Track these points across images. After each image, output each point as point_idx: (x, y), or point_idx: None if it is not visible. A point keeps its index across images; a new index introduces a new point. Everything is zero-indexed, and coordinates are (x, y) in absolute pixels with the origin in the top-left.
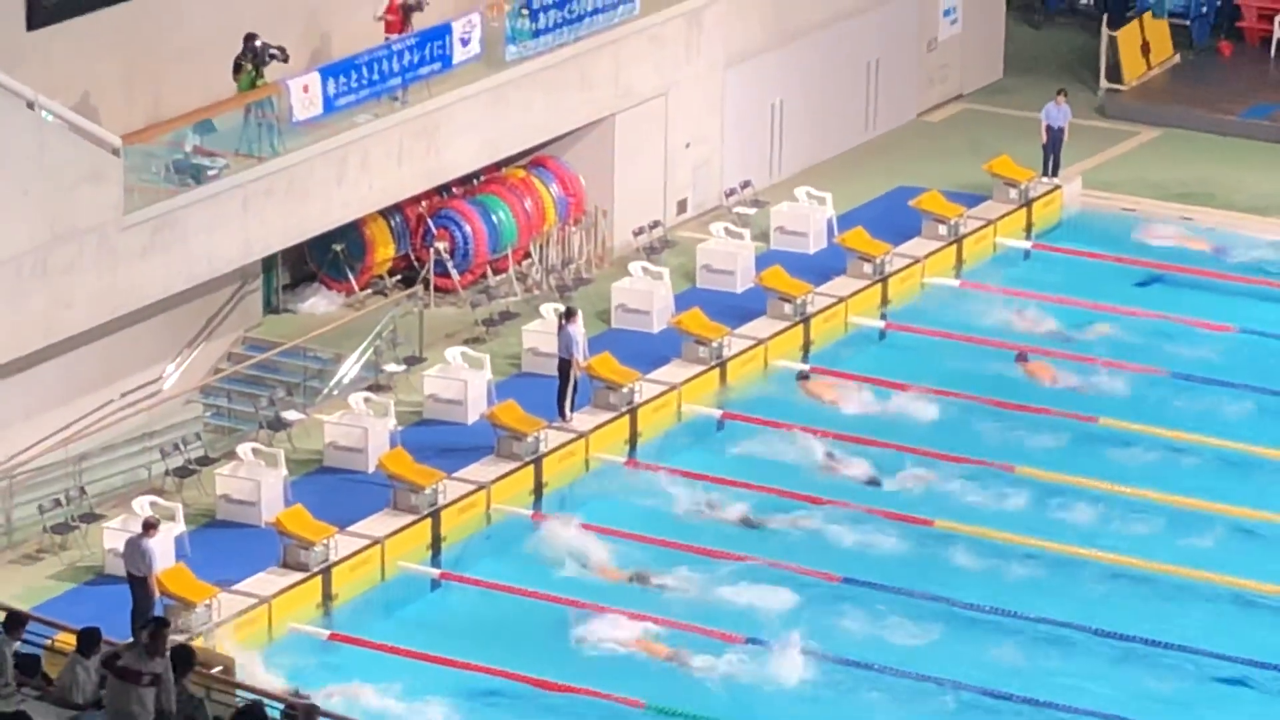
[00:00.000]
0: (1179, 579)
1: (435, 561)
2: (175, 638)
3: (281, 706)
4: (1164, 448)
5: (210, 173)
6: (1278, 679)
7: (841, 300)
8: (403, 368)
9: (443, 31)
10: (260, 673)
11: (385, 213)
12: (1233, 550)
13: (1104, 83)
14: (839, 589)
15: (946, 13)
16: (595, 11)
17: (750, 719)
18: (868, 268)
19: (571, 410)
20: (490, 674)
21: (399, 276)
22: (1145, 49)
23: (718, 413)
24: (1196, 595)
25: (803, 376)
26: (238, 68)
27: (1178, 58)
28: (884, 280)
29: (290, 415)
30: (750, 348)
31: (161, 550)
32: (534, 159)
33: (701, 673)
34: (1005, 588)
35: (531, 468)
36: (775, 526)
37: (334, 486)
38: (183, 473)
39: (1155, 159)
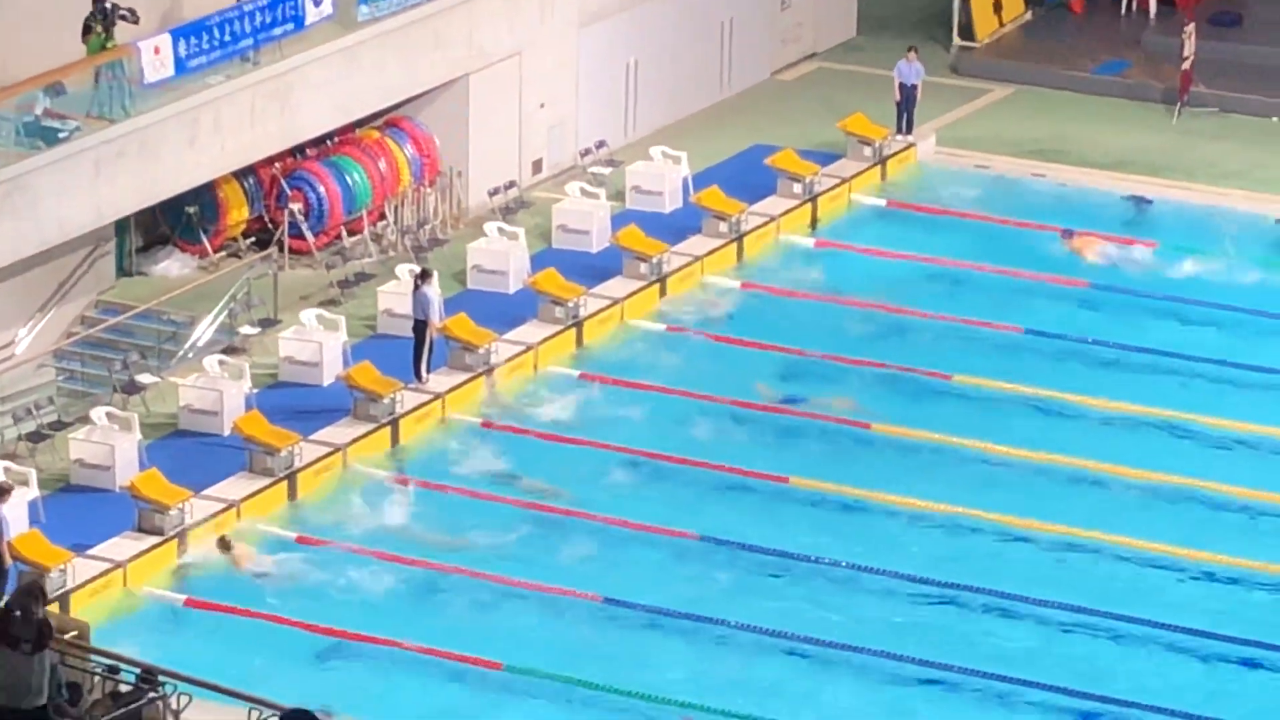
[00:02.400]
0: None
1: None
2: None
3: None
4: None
5: (61, 135)
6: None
7: (697, 259)
8: (258, 330)
9: None
10: (115, 637)
11: (239, 174)
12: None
13: (957, 40)
14: (697, 545)
15: None
16: None
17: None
18: (723, 226)
19: (428, 371)
20: (343, 636)
21: (253, 239)
22: (997, 6)
23: (575, 372)
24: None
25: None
26: (87, 29)
27: (1030, 15)
28: (739, 238)
29: (144, 379)
30: (606, 307)
31: (15, 516)
32: (388, 120)
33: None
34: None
35: (388, 429)
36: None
37: (189, 450)
38: (36, 437)
39: (1008, 116)
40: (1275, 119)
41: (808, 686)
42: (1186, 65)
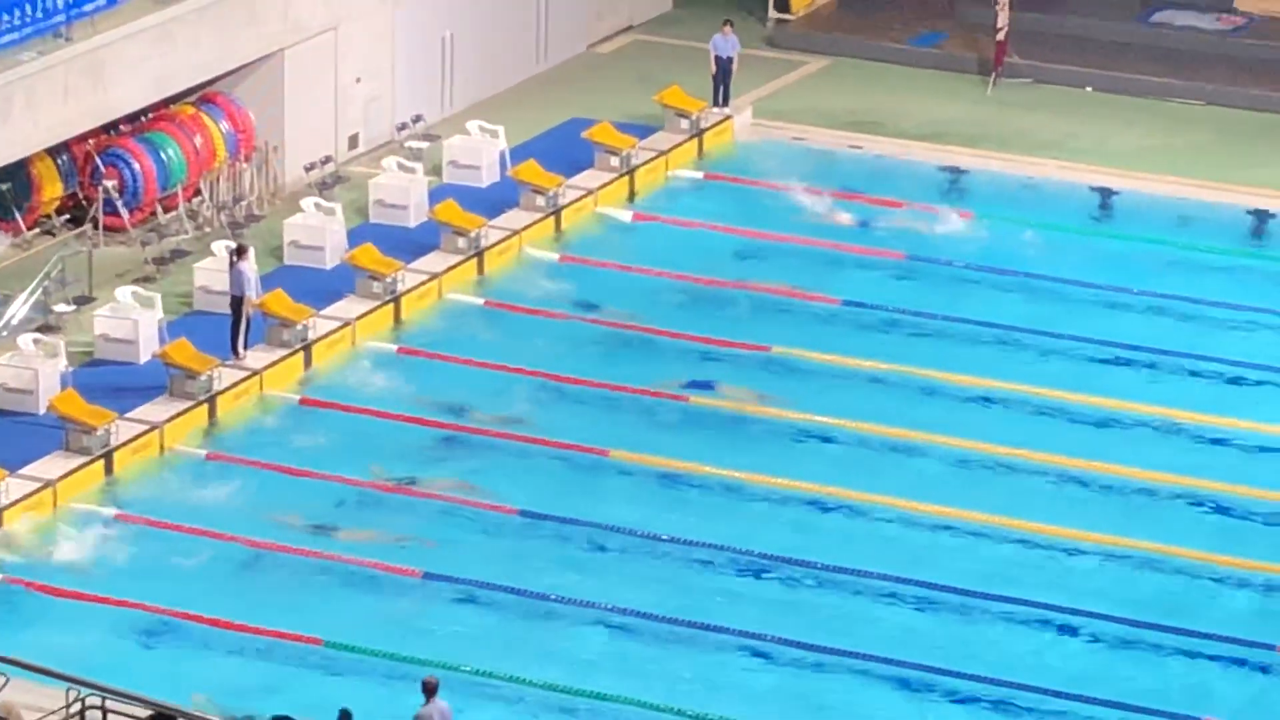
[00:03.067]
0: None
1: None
2: None
3: None
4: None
5: None
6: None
7: (515, 233)
8: (72, 308)
9: None
10: None
11: (52, 151)
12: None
13: (772, 13)
14: (516, 519)
15: None
16: None
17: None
18: (541, 200)
19: (245, 348)
20: (162, 613)
21: (67, 216)
22: None
23: (394, 347)
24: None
25: None
26: None
27: None
28: (557, 212)
29: None
30: (425, 282)
31: None
32: (203, 95)
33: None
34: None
35: (205, 406)
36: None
37: (4, 429)
38: None
39: (825, 88)
40: (1089, 89)
41: (631, 661)
42: (1001, 36)
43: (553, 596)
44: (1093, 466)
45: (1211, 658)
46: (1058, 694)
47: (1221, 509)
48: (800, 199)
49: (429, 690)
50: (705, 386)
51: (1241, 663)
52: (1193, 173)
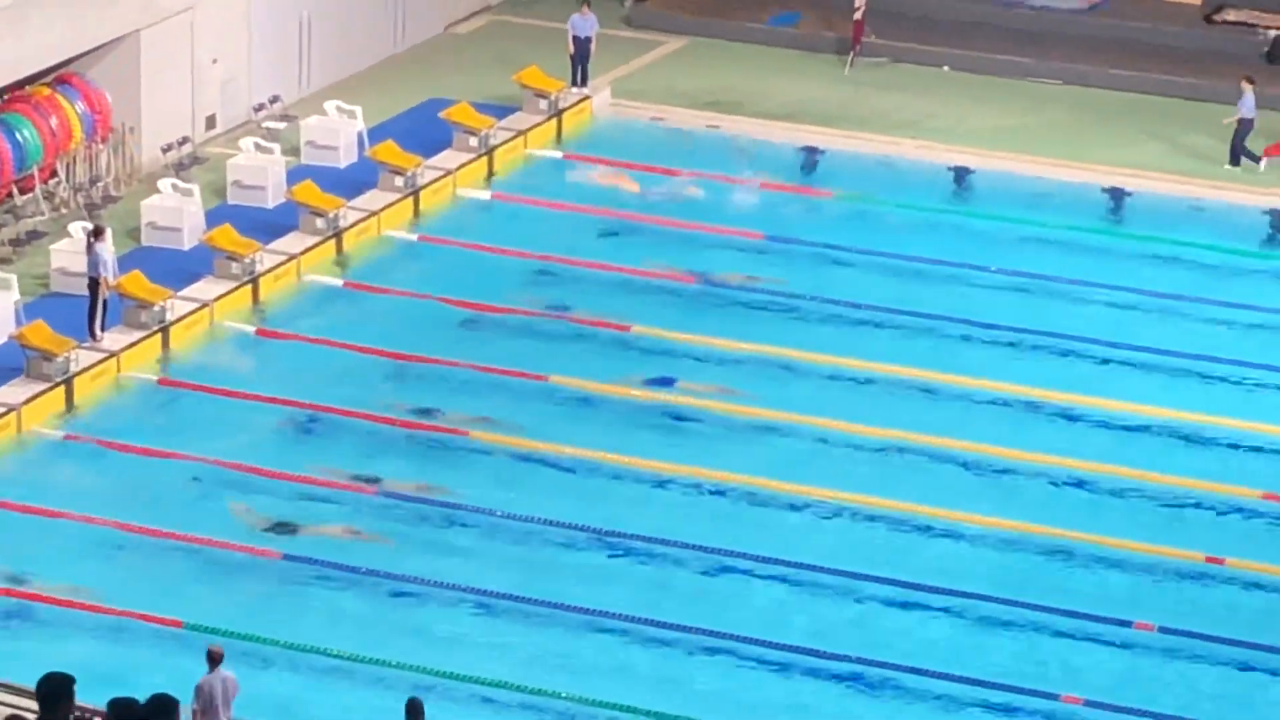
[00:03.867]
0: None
1: None
2: None
3: None
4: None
5: None
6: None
7: (374, 213)
8: None
9: None
10: None
11: None
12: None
13: None
14: (375, 499)
15: None
16: None
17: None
18: (399, 181)
19: (102, 330)
20: (21, 597)
21: None
22: None
23: (252, 328)
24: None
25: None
26: None
27: None
28: (415, 193)
29: None
30: (283, 263)
31: None
32: (59, 76)
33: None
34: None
35: (62, 388)
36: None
37: None
38: None
39: (683, 68)
40: (945, 68)
41: (493, 639)
42: (858, 16)
43: (411, 577)
44: (955, 444)
45: (1075, 636)
46: (924, 672)
47: (1082, 485)
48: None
49: (214, 660)
50: (666, 383)
51: (1107, 641)
52: (1049, 152)
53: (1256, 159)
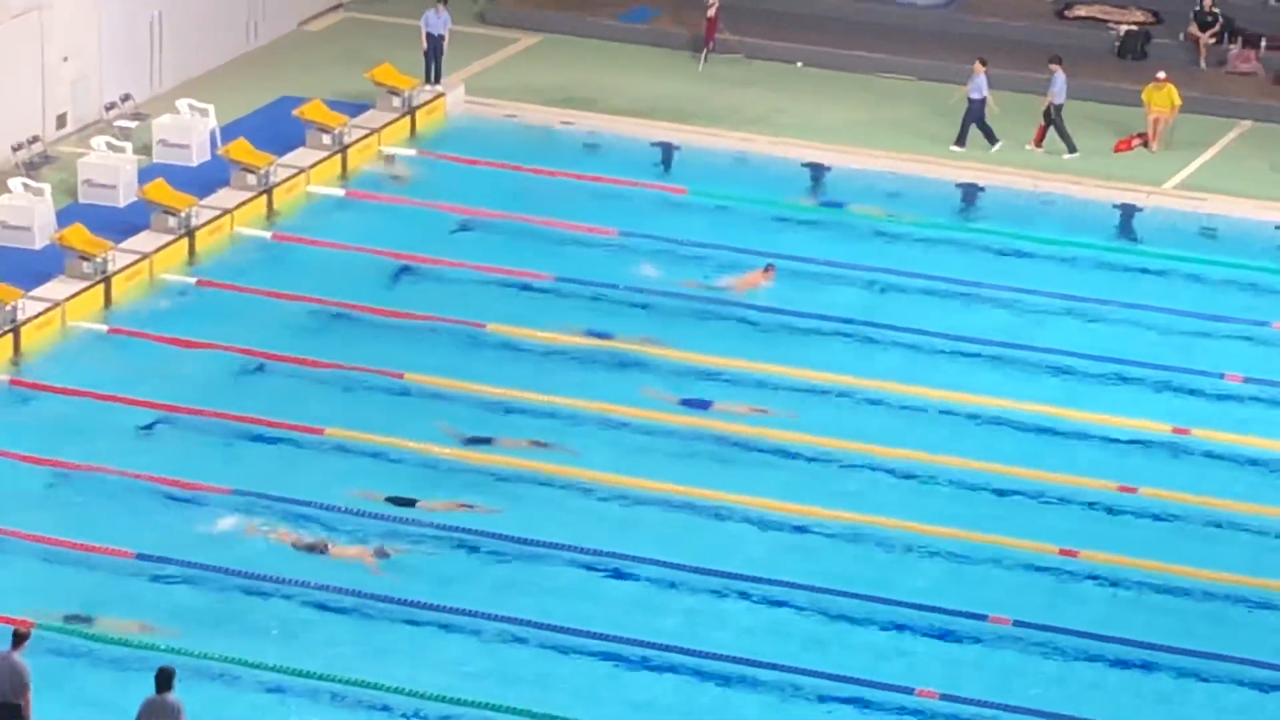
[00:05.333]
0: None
1: None
2: None
3: None
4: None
5: None
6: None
7: (226, 212)
8: None
9: None
10: None
11: None
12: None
13: None
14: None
15: None
16: None
17: None
18: (252, 179)
19: None
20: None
21: None
22: None
23: (105, 327)
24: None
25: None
26: None
27: None
28: (269, 191)
29: None
30: (135, 262)
31: None
32: None
33: None
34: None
35: None
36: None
37: None
38: None
39: (537, 64)
40: (799, 64)
41: (315, 629)
42: (712, 12)
43: (250, 572)
44: (796, 437)
45: (930, 631)
46: (773, 666)
47: (934, 479)
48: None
49: (17, 640)
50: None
51: (961, 636)
52: (902, 147)
53: (994, 139)
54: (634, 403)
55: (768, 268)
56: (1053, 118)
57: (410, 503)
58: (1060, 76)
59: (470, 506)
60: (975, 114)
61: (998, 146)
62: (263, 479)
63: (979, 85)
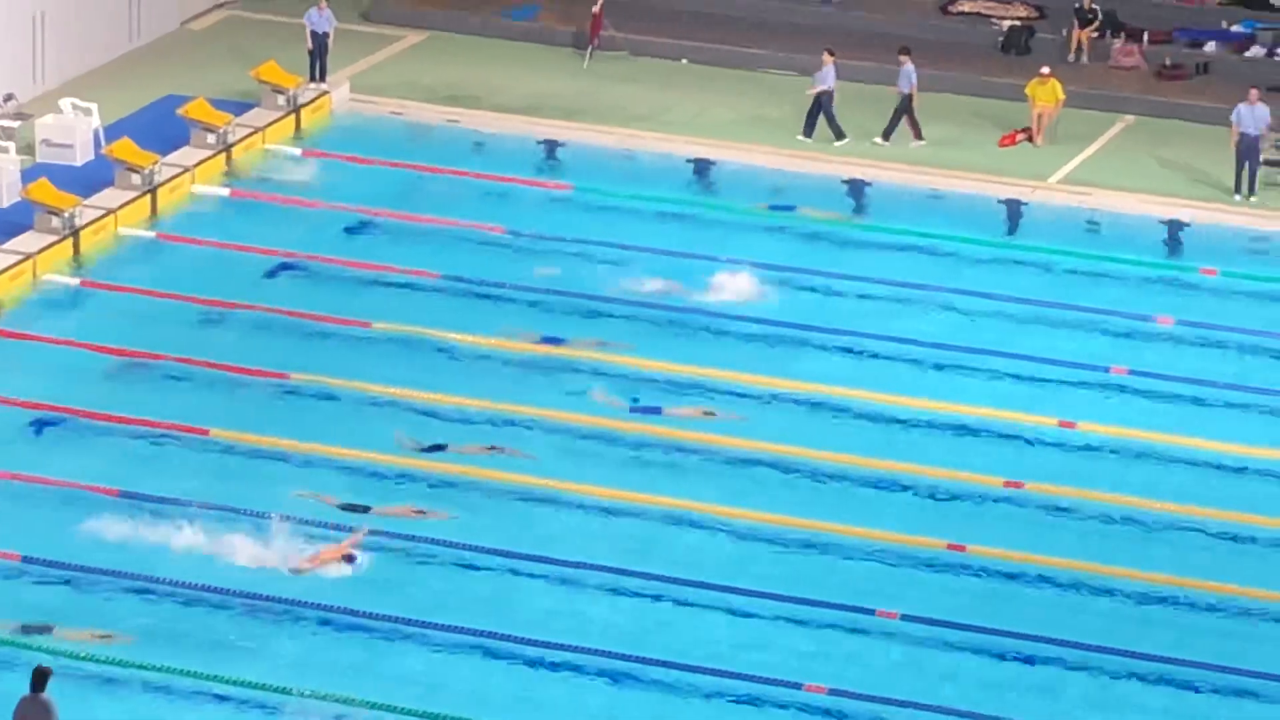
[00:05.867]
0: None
1: None
2: None
3: None
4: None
5: None
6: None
7: (110, 212)
8: None
9: None
10: None
11: None
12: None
13: None
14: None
15: None
16: None
17: None
18: (136, 178)
19: None
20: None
21: None
22: None
23: None
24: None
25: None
26: None
27: None
28: (153, 190)
29: None
30: (18, 262)
31: None
32: None
33: None
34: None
35: None
36: None
37: None
38: None
39: (422, 62)
40: (684, 61)
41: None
42: (596, 9)
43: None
44: (691, 436)
45: (819, 625)
46: (660, 662)
47: (832, 477)
48: None
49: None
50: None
51: (851, 629)
52: (788, 143)
53: (842, 135)
54: (524, 401)
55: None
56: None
57: (364, 509)
58: (909, 67)
59: (423, 512)
60: (827, 104)
61: (843, 143)
62: (148, 480)
63: (828, 75)
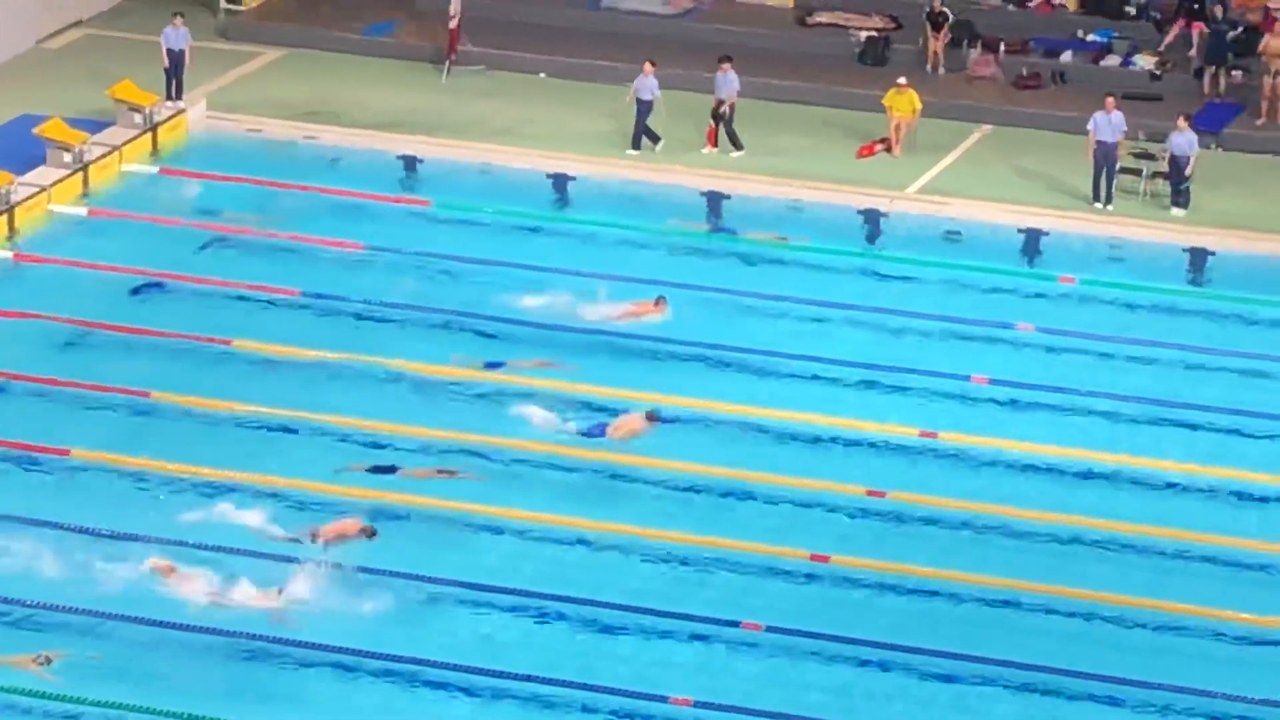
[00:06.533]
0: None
1: None
2: None
3: None
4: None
5: None
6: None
7: None
8: None
9: None
10: None
11: None
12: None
13: (224, 4)
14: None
15: None
16: None
17: None
18: None
19: None
20: None
21: None
22: None
23: None
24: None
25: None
26: None
27: None
28: (9, 210)
29: None
30: None
31: None
32: None
33: None
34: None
35: None
36: None
37: None
38: None
39: (279, 79)
40: (542, 75)
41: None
42: (453, 25)
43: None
44: (545, 448)
45: (682, 636)
46: (527, 678)
47: (695, 490)
48: None
49: None
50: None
51: (715, 641)
52: (647, 156)
53: (656, 139)
54: (383, 417)
55: (658, 300)
56: (722, 115)
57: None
58: (730, 75)
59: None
60: (645, 114)
61: (659, 146)
62: (14, 503)
63: (649, 85)
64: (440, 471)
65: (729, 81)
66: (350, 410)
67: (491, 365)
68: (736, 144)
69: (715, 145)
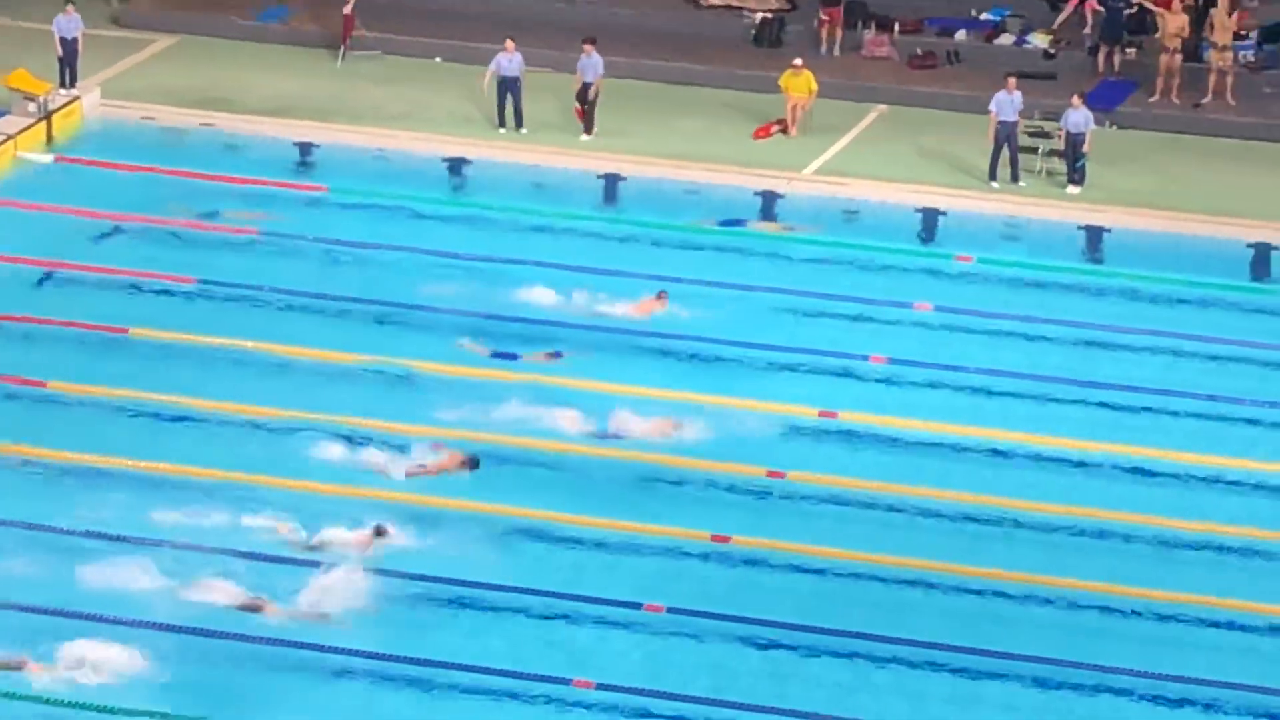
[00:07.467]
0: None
1: None
2: None
3: None
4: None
5: None
6: None
7: None
8: None
9: None
10: None
11: None
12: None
13: None
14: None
15: None
16: None
17: None
18: None
19: None
20: None
21: None
22: None
23: None
24: None
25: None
26: None
27: None
28: None
29: None
30: None
31: None
32: None
33: None
34: None
35: None
36: None
37: None
38: None
39: (173, 66)
40: (437, 59)
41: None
42: (347, 10)
43: None
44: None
45: (586, 620)
46: (423, 662)
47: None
48: None
49: None
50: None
51: (617, 624)
52: (544, 140)
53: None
54: (278, 404)
55: (660, 294)
56: (591, 100)
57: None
58: (595, 58)
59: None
60: (516, 92)
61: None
62: None
63: (516, 64)
64: (463, 463)
65: (594, 64)
66: (246, 398)
67: (500, 355)
68: (589, 128)
69: (590, 132)
